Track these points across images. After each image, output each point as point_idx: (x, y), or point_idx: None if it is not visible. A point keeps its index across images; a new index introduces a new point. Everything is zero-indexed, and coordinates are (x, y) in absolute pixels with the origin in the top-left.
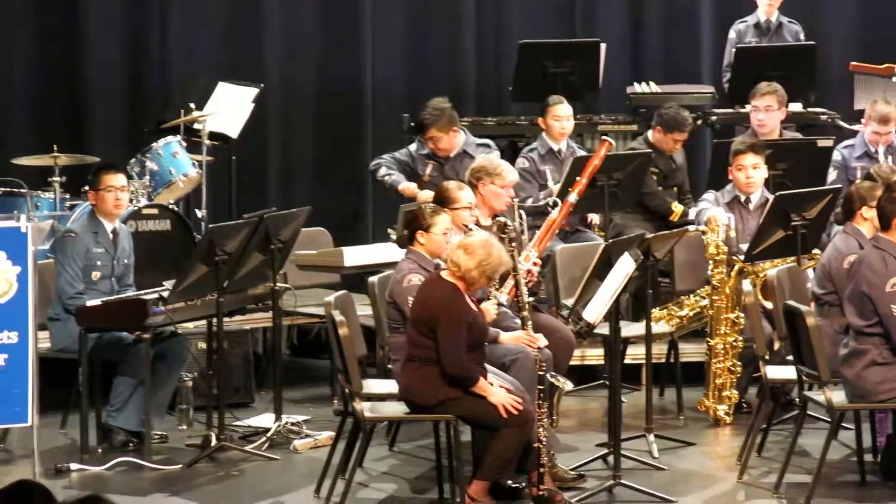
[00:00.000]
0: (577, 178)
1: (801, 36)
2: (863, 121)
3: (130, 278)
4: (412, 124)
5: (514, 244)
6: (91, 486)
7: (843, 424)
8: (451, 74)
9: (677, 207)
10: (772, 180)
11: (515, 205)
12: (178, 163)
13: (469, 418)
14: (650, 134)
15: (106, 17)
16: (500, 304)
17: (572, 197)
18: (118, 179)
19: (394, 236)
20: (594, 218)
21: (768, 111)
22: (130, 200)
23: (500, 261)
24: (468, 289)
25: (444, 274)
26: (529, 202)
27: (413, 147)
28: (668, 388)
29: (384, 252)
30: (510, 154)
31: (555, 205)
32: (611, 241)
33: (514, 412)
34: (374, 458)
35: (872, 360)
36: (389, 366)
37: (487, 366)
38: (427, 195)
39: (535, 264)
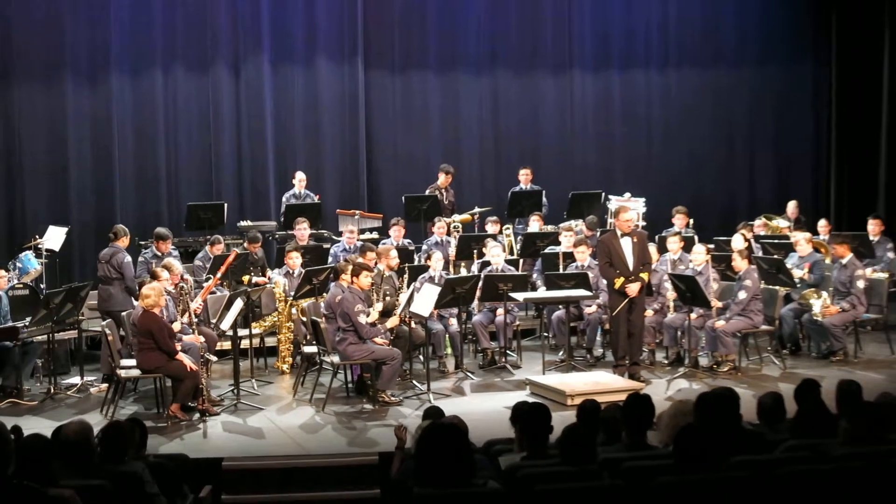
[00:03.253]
0: (220, 267)
1: (315, 198)
2: (346, 237)
3: (8, 317)
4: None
5: (187, 295)
6: None
7: (339, 371)
8: (158, 219)
9: (246, 277)
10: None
11: (189, 279)
12: (31, 263)
13: (169, 374)
14: (245, 244)
15: None
16: (182, 323)
17: (218, 274)
18: (1, 273)
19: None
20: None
21: (306, 229)
22: (9, 281)
23: (157, 293)
24: (156, 307)
25: (149, 311)
26: (192, 280)
27: None
28: (262, 358)
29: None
30: (188, 257)
31: (209, 278)
32: (233, 293)
33: (192, 370)
34: (127, 395)
35: (350, 342)
36: (132, 352)
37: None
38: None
39: (199, 305)
